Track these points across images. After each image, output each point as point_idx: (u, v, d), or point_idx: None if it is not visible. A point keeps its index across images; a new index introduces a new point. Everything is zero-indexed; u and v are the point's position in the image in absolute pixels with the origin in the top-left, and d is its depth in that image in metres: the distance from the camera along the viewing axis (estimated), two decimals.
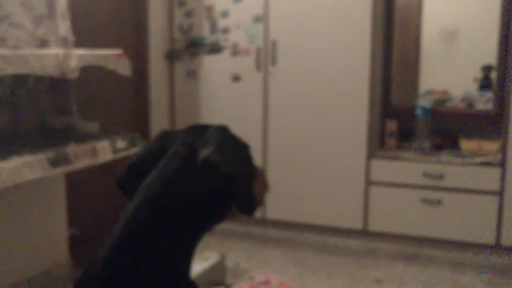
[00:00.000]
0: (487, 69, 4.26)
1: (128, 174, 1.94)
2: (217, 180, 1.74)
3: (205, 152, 1.75)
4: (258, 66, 4.38)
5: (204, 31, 4.56)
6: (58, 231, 3.55)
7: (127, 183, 1.93)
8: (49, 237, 3.47)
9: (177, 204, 1.73)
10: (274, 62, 4.35)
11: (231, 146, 1.84)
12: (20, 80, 2.97)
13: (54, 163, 2.94)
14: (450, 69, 4.52)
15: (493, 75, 4.23)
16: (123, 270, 1.72)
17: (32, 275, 3.33)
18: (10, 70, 2.67)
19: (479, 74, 4.30)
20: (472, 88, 4.35)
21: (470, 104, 4.30)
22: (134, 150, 3.24)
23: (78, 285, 1.79)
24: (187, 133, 1.89)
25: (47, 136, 3.11)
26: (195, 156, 1.77)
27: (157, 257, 1.72)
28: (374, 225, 4.20)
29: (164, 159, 1.81)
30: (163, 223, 1.72)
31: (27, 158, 2.80)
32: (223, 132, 1.88)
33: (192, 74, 4.64)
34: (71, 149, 3.07)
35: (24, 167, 2.76)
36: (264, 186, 2.05)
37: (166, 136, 1.92)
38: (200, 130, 1.90)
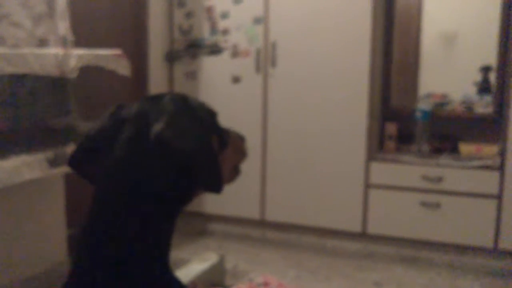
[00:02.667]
0: (485, 69, 4.26)
1: (80, 153, 1.85)
2: (172, 157, 1.62)
3: (156, 127, 1.62)
4: (257, 68, 4.38)
5: (204, 32, 4.57)
6: (57, 231, 3.55)
7: (80, 163, 1.84)
8: (48, 236, 3.47)
9: (136, 189, 1.64)
10: (273, 64, 4.35)
11: (187, 118, 1.68)
12: (19, 79, 2.96)
13: (53, 163, 2.95)
14: (449, 73, 4.52)
15: (492, 77, 4.24)
16: (98, 261, 1.66)
17: (31, 274, 3.33)
18: (9, 69, 2.68)
19: (478, 77, 4.31)
20: (471, 91, 4.35)
21: (469, 108, 4.30)
22: None
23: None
24: (141, 105, 1.75)
25: (46, 136, 3.10)
26: (147, 132, 1.63)
27: (127, 245, 1.65)
28: (373, 228, 4.20)
29: (120, 141, 1.69)
30: (127, 210, 1.65)
31: (26, 158, 2.81)
32: (178, 102, 1.73)
33: (192, 75, 4.63)
34: (70, 149, 3.07)
35: (23, 167, 2.76)
36: (240, 154, 1.90)
37: (119, 110, 1.79)
38: (155, 101, 1.75)
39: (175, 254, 4.23)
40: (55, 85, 3.25)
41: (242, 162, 1.91)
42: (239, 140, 1.92)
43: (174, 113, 1.66)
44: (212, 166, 1.65)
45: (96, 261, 1.65)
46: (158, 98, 1.76)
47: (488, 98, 4.25)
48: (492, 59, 4.19)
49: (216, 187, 1.67)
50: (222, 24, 4.50)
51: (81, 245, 1.71)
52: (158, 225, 1.69)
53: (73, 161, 1.84)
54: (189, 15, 4.60)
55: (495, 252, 3.93)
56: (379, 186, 4.15)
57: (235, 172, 1.87)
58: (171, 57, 4.68)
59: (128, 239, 1.63)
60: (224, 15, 4.47)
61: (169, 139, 1.58)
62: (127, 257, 1.64)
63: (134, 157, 1.64)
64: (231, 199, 4.57)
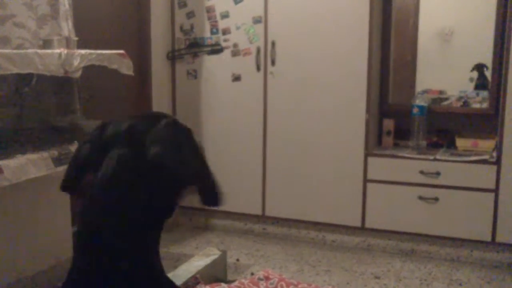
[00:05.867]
0: (479, 67, 4.32)
1: (70, 177, 1.92)
2: (166, 177, 1.73)
3: (154, 150, 1.71)
4: (258, 66, 4.44)
5: (205, 32, 4.62)
6: (62, 228, 3.60)
7: (71, 185, 1.92)
8: (54, 233, 3.52)
9: (127, 202, 1.73)
10: (273, 62, 4.40)
11: (182, 141, 1.79)
12: (24, 79, 3.02)
13: (58, 161, 3.00)
14: (446, 69, 4.57)
15: (487, 73, 4.29)
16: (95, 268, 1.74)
17: (37, 271, 3.38)
18: (14, 69, 2.72)
19: (474, 74, 4.37)
20: (468, 87, 4.41)
21: (466, 103, 4.35)
22: None
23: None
24: (131, 124, 1.83)
25: (50, 134, 3.15)
26: (139, 153, 1.73)
27: (121, 250, 1.73)
28: (372, 222, 4.26)
29: (110, 159, 1.76)
30: (121, 220, 1.73)
31: (31, 156, 2.86)
32: (172, 126, 1.82)
33: (193, 74, 4.70)
34: (75, 147, 3.13)
35: (28, 165, 2.81)
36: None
37: (105, 127, 1.86)
38: (146, 121, 1.85)
39: (178, 250, 4.33)
40: (59, 85, 3.31)
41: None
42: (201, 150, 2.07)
43: (171, 137, 1.77)
44: (212, 184, 1.78)
45: (91, 265, 1.74)
46: (149, 118, 1.86)
47: (484, 94, 4.30)
48: (487, 56, 4.23)
49: (215, 201, 1.81)
50: (222, 23, 4.55)
51: (77, 250, 1.80)
52: (149, 232, 1.80)
53: (65, 186, 1.91)
54: (190, 15, 4.65)
55: (493, 245, 3.99)
56: (377, 181, 4.20)
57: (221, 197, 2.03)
58: (173, 56, 4.74)
59: (121, 245, 1.72)
60: (224, 15, 4.53)
61: (168, 162, 1.69)
62: (120, 260, 1.73)
63: (127, 174, 1.73)
64: (233, 195, 4.60)
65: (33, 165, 2.84)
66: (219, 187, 1.79)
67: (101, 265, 1.70)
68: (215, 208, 1.90)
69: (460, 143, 4.24)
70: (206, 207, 4.66)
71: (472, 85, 4.40)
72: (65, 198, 3.59)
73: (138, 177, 1.71)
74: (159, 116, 1.87)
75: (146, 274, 1.76)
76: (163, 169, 1.69)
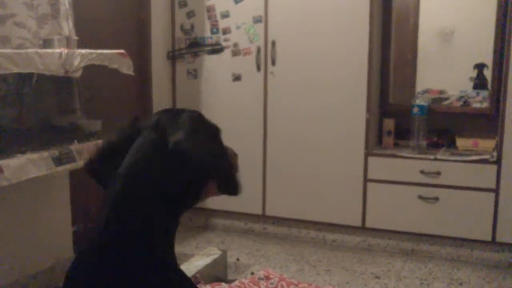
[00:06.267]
0: (479, 66, 4.32)
1: (99, 160, 1.97)
2: (187, 165, 1.77)
3: (176, 136, 1.76)
4: (258, 66, 4.44)
5: (205, 31, 4.63)
6: (62, 228, 3.61)
7: (98, 169, 1.95)
8: (54, 233, 3.53)
9: (152, 188, 1.76)
10: (273, 62, 4.40)
11: (203, 134, 1.85)
12: (24, 78, 3.02)
13: (58, 160, 3.01)
14: (446, 69, 4.57)
15: (487, 73, 4.29)
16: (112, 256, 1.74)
17: (37, 270, 3.39)
18: (14, 69, 2.72)
19: (474, 73, 4.36)
20: (468, 87, 4.41)
21: (466, 103, 4.35)
22: None
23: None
24: (159, 117, 1.90)
25: (51, 134, 3.16)
26: (164, 140, 1.78)
27: (141, 240, 1.75)
28: (372, 222, 4.26)
29: (136, 145, 1.82)
30: (142, 207, 1.75)
31: (32, 155, 2.86)
32: (195, 118, 1.89)
33: (193, 74, 4.70)
34: (75, 147, 3.14)
35: (28, 164, 2.82)
36: (234, 168, 2.10)
37: (137, 121, 1.93)
38: (172, 115, 1.91)
39: (178, 249, 4.31)
40: (59, 84, 3.31)
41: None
42: (234, 156, 2.12)
43: (192, 127, 1.83)
44: (230, 171, 1.82)
45: (105, 253, 1.74)
46: (175, 112, 1.92)
47: (484, 94, 4.30)
48: (488, 55, 4.23)
49: (234, 189, 1.85)
50: (222, 23, 4.56)
51: (92, 243, 1.80)
52: (169, 221, 1.81)
53: (91, 168, 1.95)
54: (190, 14, 4.65)
55: (492, 244, 3.99)
56: (378, 181, 4.20)
57: (239, 186, 2.07)
58: (173, 56, 4.74)
59: (142, 235, 1.74)
60: (225, 15, 4.53)
61: (188, 150, 1.74)
62: (140, 252, 1.73)
63: (152, 161, 1.77)
64: None
65: (33, 165, 2.84)
66: (236, 176, 1.85)
67: (116, 256, 1.71)
68: (234, 196, 1.94)
69: (461, 142, 4.23)
70: (208, 207, 4.68)
71: (472, 85, 4.39)
72: (65, 197, 3.60)
73: (160, 164, 1.77)
74: (184, 110, 1.96)
75: (158, 268, 1.77)
76: (183, 156, 1.73)
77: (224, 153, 1.90)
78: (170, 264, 1.84)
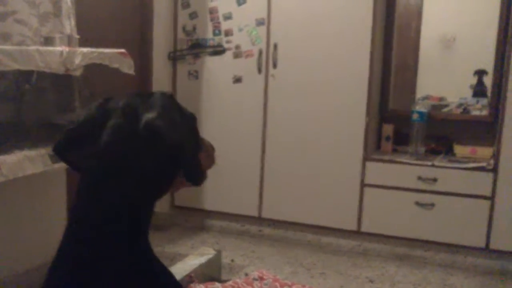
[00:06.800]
0: (479, 73, 4.33)
1: (66, 141, 1.96)
2: (160, 146, 1.76)
3: (148, 116, 1.76)
4: (259, 69, 4.46)
5: (207, 33, 4.65)
6: (58, 225, 3.61)
7: (65, 150, 1.95)
8: (50, 230, 3.54)
9: (122, 172, 1.75)
10: (274, 64, 4.42)
11: (176, 114, 1.84)
12: (24, 76, 3.04)
13: (55, 158, 3.02)
14: (447, 76, 4.57)
15: (487, 80, 4.30)
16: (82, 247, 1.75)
17: (32, 267, 3.40)
18: (14, 66, 2.74)
19: (474, 80, 4.38)
20: (468, 94, 4.42)
21: (466, 110, 4.36)
22: None
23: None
24: (129, 98, 1.88)
25: (49, 131, 3.17)
26: (136, 120, 1.77)
27: (113, 225, 1.75)
28: (368, 226, 4.27)
29: (108, 127, 1.81)
30: (115, 192, 1.75)
31: (29, 152, 2.87)
32: (168, 99, 1.88)
33: (194, 75, 4.72)
34: None
35: (25, 161, 2.83)
36: (210, 159, 2.08)
37: (106, 102, 1.91)
38: (143, 96, 1.90)
39: (174, 249, 4.35)
40: (59, 82, 3.33)
41: (210, 168, 2.07)
42: (211, 148, 2.10)
43: (165, 107, 1.80)
44: (196, 160, 1.79)
45: (83, 241, 1.75)
46: (146, 94, 1.90)
47: (484, 101, 4.31)
48: (488, 63, 4.25)
49: (197, 178, 1.82)
50: (225, 25, 4.58)
51: (69, 227, 1.82)
52: (141, 208, 1.81)
53: (58, 147, 1.95)
54: (192, 15, 4.68)
55: (487, 251, 4.00)
56: (374, 186, 4.22)
57: (204, 175, 2.01)
58: (174, 57, 4.76)
59: (114, 220, 1.74)
60: (227, 17, 4.55)
61: (160, 128, 1.72)
62: (112, 237, 1.74)
63: (122, 143, 1.77)
64: (230, 196, 4.65)
65: (30, 162, 2.85)
66: (200, 166, 1.82)
67: (94, 241, 1.72)
68: (195, 187, 1.91)
69: (459, 150, 4.25)
70: (204, 208, 4.70)
71: (471, 92, 4.41)
72: (62, 195, 3.61)
73: (132, 147, 1.76)
74: (155, 91, 1.94)
75: (137, 257, 1.78)
76: (156, 134, 1.72)
77: (197, 139, 1.88)
78: (146, 249, 1.85)
